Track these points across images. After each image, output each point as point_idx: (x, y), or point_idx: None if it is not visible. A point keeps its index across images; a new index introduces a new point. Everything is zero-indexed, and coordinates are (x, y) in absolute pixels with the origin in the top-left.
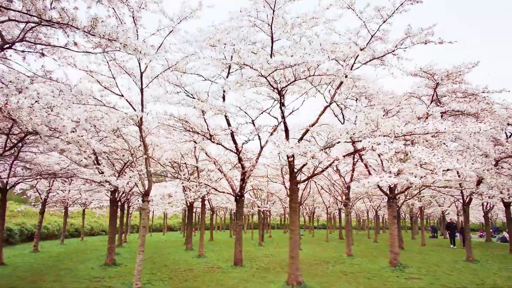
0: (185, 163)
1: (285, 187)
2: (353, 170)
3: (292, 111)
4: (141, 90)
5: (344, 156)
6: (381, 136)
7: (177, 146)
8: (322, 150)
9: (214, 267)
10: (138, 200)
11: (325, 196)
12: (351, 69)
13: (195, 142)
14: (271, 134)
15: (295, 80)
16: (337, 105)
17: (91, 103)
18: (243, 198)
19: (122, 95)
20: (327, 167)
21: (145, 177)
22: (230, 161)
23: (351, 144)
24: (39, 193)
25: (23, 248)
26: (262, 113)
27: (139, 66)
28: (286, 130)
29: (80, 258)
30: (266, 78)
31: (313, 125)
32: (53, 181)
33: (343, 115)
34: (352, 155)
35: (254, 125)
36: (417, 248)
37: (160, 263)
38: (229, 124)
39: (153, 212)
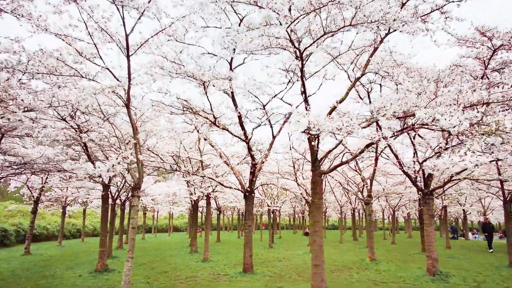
0: (188, 157)
1: (298, 184)
2: (376, 162)
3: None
4: (127, 57)
5: (395, 134)
6: (443, 106)
7: (177, 135)
8: (362, 125)
9: (220, 274)
10: (141, 200)
11: (337, 194)
12: (387, 33)
13: (197, 130)
14: (285, 122)
15: (324, 35)
16: (363, 86)
17: (65, 74)
18: (253, 194)
19: (107, 68)
20: (361, 152)
21: (135, 167)
22: (238, 155)
23: (401, 119)
24: (30, 190)
25: (17, 250)
26: (274, 97)
27: (123, 25)
28: (306, 99)
29: (71, 263)
30: (286, 30)
31: (341, 101)
32: (47, 177)
33: (369, 97)
34: (401, 133)
35: (264, 109)
36: (444, 251)
37: (159, 269)
38: (235, 105)
39: (157, 212)
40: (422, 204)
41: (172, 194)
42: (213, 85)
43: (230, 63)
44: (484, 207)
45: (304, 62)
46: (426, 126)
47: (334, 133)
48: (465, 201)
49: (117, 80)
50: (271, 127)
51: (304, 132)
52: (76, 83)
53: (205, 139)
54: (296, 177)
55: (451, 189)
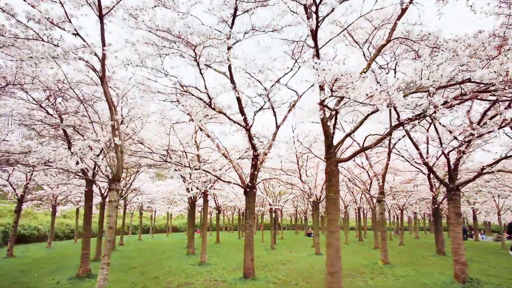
0: (184, 151)
1: (302, 181)
2: (389, 156)
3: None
4: (100, 17)
5: (450, 101)
6: None
7: (168, 121)
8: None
9: (217, 280)
10: (138, 199)
11: (341, 193)
12: None
13: (191, 118)
14: (290, 110)
15: None
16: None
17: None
18: (254, 190)
19: (75, 31)
20: (389, 133)
21: (112, 154)
22: (238, 149)
23: (447, 88)
24: (13, 188)
25: (2, 252)
26: (277, 81)
27: None
28: (317, 52)
29: (55, 267)
30: None
31: (364, 71)
32: (32, 174)
33: (395, 71)
34: (458, 102)
35: (268, 96)
36: None
37: (150, 274)
38: (233, 83)
39: (155, 212)
40: (448, 201)
41: (169, 193)
42: (208, 66)
43: (233, 18)
44: (498, 206)
45: (318, 23)
46: (494, 93)
47: (362, 103)
48: (475, 200)
49: (95, 54)
50: (275, 115)
51: (321, 103)
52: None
53: (201, 129)
54: (300, 174)
55: (468, 186)
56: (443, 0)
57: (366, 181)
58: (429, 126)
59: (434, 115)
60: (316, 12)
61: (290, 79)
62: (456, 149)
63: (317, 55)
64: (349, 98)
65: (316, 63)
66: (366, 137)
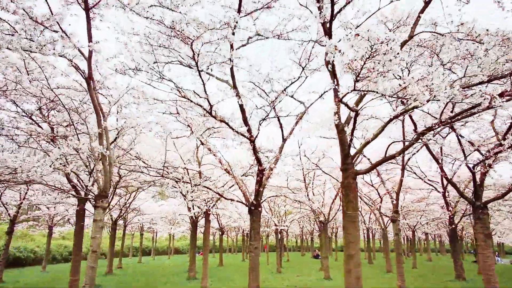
0: (185, 168)
1: (309, 199)
2: (402, 172)
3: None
4: (86, 9)
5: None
6: None
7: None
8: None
9: None
10: (138, 220)
11: None
12: None
13: (191, 130)
14: (297, 123)
15: None
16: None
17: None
18: (259, 209)
19: (65, 33)
20: (417, 139)
21: (99, 168)
22: (241, 165)
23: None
24: (5, 207)
25: None
26: (283, 91)
27: None
28: (335, 76)
29: None
30: None
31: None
32: (26, 192)
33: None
34: None
35: (273, 108)
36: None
37: None
38: (235, 86)
39: (156, 233)
40: (474, 221)
41: (172, 213)
42: (209, 74)
43: (233, 30)
44: None
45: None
46: None
47: (394, 96)
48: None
49: (79, 50)
50: (281, 128)
51: (340, 101)
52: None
53: (202, 143)
54: (307, 193)
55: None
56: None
57: (376, 200)
58: (446, 136)
59: (493, 104)
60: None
61: (298, 89)
62: (481, 163)
63: (333, 69)
64: (376, 92)
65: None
66: (389, 145)
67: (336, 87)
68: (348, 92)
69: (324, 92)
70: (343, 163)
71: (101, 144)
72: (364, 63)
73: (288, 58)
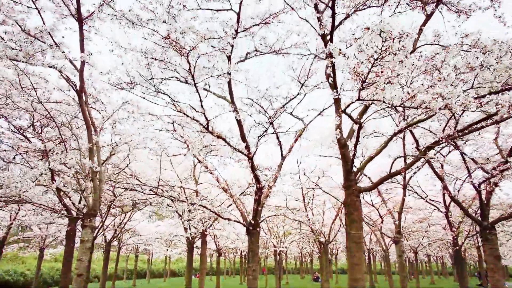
0: (182, 187)
1: (308, 219)
2: (404, 191)
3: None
4: (80, 20)
5: None
6: None
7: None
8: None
9: None
10: (133, 241)
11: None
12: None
13: (188, 146)
14: (296, 140)
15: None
16: None
17: None
18: (257, 229)
19: (55, 43)
20: (428, 149)
21: (89, 185)
22: (239, 184)
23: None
24: None
25: None
26: (282, 107)
27: None
28: (335, 85)
29: None
30: None
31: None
32: (17, 213)
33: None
34: None
35: (272, 125)
36: None
37: None
38: (232, 101)
39: (151, 255)
40: (482, 242)
41: (168, 234)
42: (207, 90)
43: (231, 53)
44: None
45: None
46: None
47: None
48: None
49: (70, 61)
50: (280, 145)
51: (343, 112)
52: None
53: (199, 161)
54: (306, 213)
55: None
56: (466, 14)
57: (377, 220)
58: (447, 154)
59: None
60: (333, 7)
61: (297, 105)
62: (487, 181)
63: (333, 66)
64: (383, 101)
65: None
66: (394, 161)
67: (338, 96)
68: (352, 102)
69: (324, 109)
70: (346, 180)
71: (91, 159)
72: (372, 65)
73: (287, 74)
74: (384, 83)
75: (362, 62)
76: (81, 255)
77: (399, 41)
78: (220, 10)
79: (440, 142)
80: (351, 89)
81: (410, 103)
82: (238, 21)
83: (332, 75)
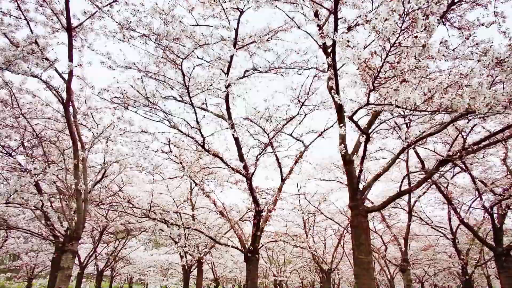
0: (177, 211)
1: (309, 246)
2: (410, 215)
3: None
4: (69, 29)
5: None
6: None
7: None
8: None
9: None
10: (127, 270)
11: (347, 264)
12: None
13: (183, 165)
14: (296, 162)
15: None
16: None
17: None
18: (256, 256)
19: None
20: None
21: (73, 205)
22: (238, 209)
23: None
24: None
25: None
26: (281, 130)
27: None
28: (336, 75)
29: None
30: None
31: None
32: (5, 240)
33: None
34: None
35: (272, 146)
36: None
37: None
38: (229, 117)
39: (146, 285)
40: (498, 270)
41: (164, 261)
42: (204, 109)
43: (230, 63)
44: None
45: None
46: None
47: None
48: None
49: (55, 70)
50: (280, 167)
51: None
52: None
53: (196, 184)
54: (307, 240)
55: None
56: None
57: (380, 247)
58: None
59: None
60: (335, 13)
61: (297, 127)
62: (498, 204)
63: (336, 79)
64: (396, 105)
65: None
66: (404, 178)
67: (341, 102)
68: (360, 107)
69: (324, 130)
70: (352, 199)
71: (76, 177)
72: (388, 53)
73: (287, 94)
74: (398, 81)
75: (375, 52)
76: (60, 284)
77: (424, 15)
78: (218, 26)
79: (453, 158)
80: (356, 99)
81: (426, 106)
82: (236, 38)
83: (334, 80)
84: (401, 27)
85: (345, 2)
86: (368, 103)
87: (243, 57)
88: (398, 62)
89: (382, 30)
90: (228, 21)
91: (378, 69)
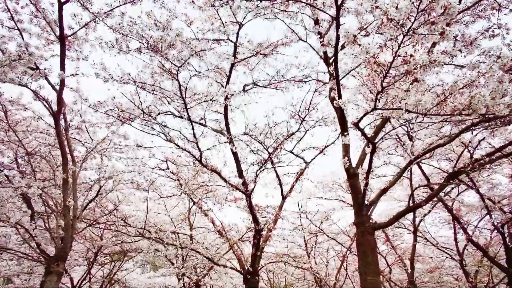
0: (175, 232)
1: (311, 268)
2: (415, 235)
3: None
4: (62, 38)
5: None
6: None
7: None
8: None
9: None
10: None
11: (357, 279)
12: None
13: (180, 182)
14: (297, 179)
15: None
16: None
17: None
18: (256, 277)
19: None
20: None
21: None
22: (237, 229)
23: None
24: None
25: None
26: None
27: None
28: (338, 85)
29: None
30: None
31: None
32: None
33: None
34: None
35: (272, 162)
36: None
37: None
38: (227, 129)
39: None
40: None
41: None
42: (202, 124)
43: (230, 73)
44: None
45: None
46: None
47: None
48: None
49: (45, 78)
50: (280, 185)
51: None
52: None
53: (194, 203)
54: (309, 261)
55: None
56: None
57: (384, 270)
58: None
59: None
60: (337, 18)
61: (298, 143)
62: (510, 222)
63: (338, 89)
64: (406, 110)
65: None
66: (414, 189)
67: (342, 105)
68: (367, 112)
69: (326, 147)
70: (357, 215)
71: (64, 192)
72: (400, 45)
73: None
74: (409, 80)
75: (385, 44)
76: None
77: None
78: (218, 40)
79: (466, 169)
80: (362, 103)
81: (439, 110)
82: (235, 52)
83: (336, 85)
84: (417, 8)
85: (347, 8)
86: (375, 108)
87: (242, 72)
88: (411, 55)
89: (395, 15)
90: (227, 35)
91: (389, 65)
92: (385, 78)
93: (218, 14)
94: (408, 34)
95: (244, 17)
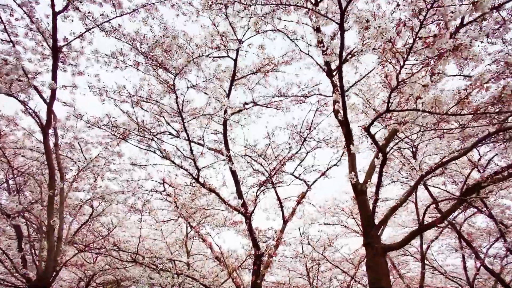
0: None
1: None
2: (423, 263)
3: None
4: (55, 48)
5: None
6: None
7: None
8: None
9: None
10: None
11: None
12: None
13: (176, 204)
14: (298, 203)
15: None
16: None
17: None
18: None
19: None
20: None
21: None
22: (237, 255)
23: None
24: None
25: None
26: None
27: None
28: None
29: None
30: None
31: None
32: None
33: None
34: None
35: (271, 182)
36: None
37: None
38: (226, 145)
39: None
40: None
41: None
42: (200, 144)
43: (231, 87)
44: None
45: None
46: None
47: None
48: None
49: (34, 87)
50: (281, 208)
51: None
52: None
53: (191, 227)
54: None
55: None
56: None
57: None
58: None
59: None
60: (341, 24)
61: (299, 165)
62: None
63: (343, 99)
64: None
65: None
66: (428, 206)
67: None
68: (380, 114)
69: (328, 169)
70: (366, 236)
71: (49, 211)
72: (421, 25)
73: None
74: (428, 73)
75: (404, 23)
76: None
77: None
78: (218, 57)
79: (482, 184)
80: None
81: (460, 110)
82: (234, 69)
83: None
84: None
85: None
86: (388, 109)
87: (242, 92)
88: (435, 36)
89: None
90: (227, 51)
91: (408, 51)
92: (401, 68)
93: (217, 30)
94: (433, 7)
95: (244, 34)
